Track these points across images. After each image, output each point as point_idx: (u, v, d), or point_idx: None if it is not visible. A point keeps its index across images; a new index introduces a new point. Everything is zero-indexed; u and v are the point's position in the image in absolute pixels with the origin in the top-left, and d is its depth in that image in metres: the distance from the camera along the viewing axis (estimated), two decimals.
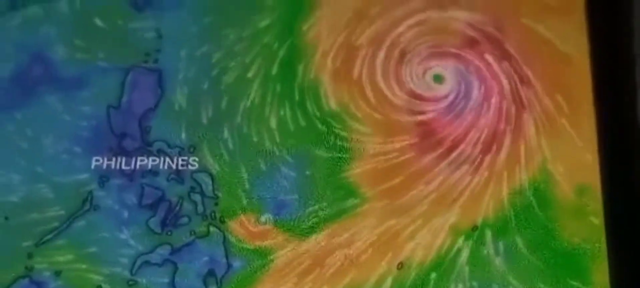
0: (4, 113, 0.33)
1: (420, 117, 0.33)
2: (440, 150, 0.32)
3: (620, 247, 0.30)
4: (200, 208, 0.31)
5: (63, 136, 0.33)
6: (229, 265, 0.31)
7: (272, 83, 0.33)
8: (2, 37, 0.35)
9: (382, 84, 0.33)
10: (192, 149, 0.32)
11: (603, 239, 0.30)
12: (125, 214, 0.31)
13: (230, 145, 0.32)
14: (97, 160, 0.32)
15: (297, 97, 0.33)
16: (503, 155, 0.32)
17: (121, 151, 0.33)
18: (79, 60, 0.34)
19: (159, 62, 0.34)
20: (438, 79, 0.33)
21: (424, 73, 0.33)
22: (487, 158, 0.32)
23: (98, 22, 0.35)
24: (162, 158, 0.32)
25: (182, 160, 0.32)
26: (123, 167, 0.32)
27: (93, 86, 0.34)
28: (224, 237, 0.31)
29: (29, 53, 0.34)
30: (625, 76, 0.33)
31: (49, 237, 0.31)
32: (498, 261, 0.30)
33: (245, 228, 0.31)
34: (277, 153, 0.32)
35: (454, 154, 0.32)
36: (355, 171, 0.32)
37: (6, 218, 0.31)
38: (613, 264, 0.30)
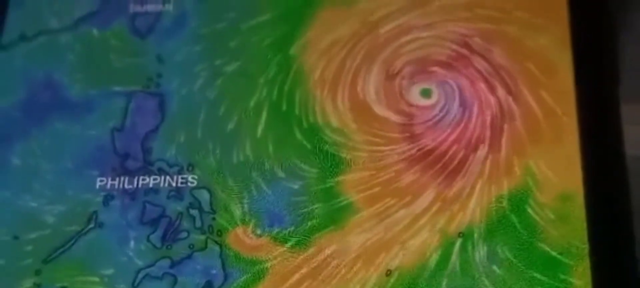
0: (18, 139, 0.35)
1: (408, 129, 0.34)
2: (427, 160, 0.33)
3: (603, 252, 0.31)
4: (198, 223, 0.33)
5: (70, 158, 0.34)
6: (226, 277, 0.32)
7: (265, 100, 0.35)
8: (14, 66, 0.37)
9: (370, 98, 0.34)
10: (190, 168, 0.34)
11: (586, 244, 0.31)
12: (128, 231, 0.33)
13: (226, 163, 0.34)
14: (101, 180, 0.34)
15: (289, 113, 0.34)
16: (488, 163, 0.33)
17: (124, 171, 0.34)
18: (85, 87, 0.36)
19: (161, 87, 0.36)
20: (425, 93, 0.34)
21: (412, 87, 0.35)
22: (473, 166, 0.33)
23: (103, 50, 0.37)
24: (162, 177, 0.34)
25: (182, 178, 0.34)
26: (126, 186, 0.34)
27: (98, 110, 0.35)
28: (221, 250, 0.32)
29: (39, 82, 0.36)
30: (608, 87, 0.34)
31: (56, 254, 0.33)
32: (484, 266, 0.31)
33: (241, 241, 0.32)
34: (271, 168, 0.33)
35: (440, 164, 0.33)
36: (346, 183, 0.33)
37: (15, 237, 0.33)
38: (596, 269, 0.31)
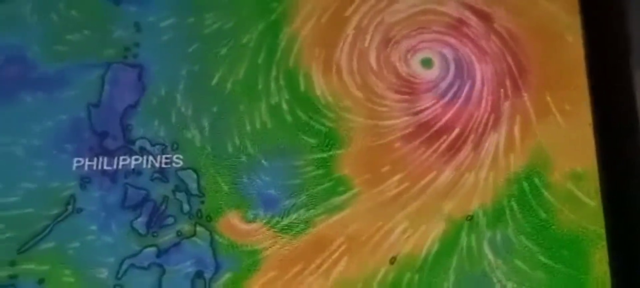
0: None
1: (409, 104, 0.32)
2: (431, 138, 0.31)
3: (619, 231, 0.29)
4: (185, 207, 0.30)
5: (42, 137, 0.32)
6: (218, 266, 0.30)
7: (255, 74, 0.32)
8: None
9: (369, 71, 0.32)
10: (175, 146, 0.31)
11: (602, 224, 0.29)
12: (109, 216, 0.31)
13: (215, 141, 0.31)
14: (78, 162, 0.31)
15: (282, 87, 0.32)
16: (496, 140, 0.31)
17: (103, 151, 0.32)
18: (56, 57, 0.33)
19: (139, 57, 0.33)
20: (426, 63, 0.32)
21: (412, 57, 0.32)
22: (480, 144, 0.31)
23: (75, 17, 0.34)
24: (145, 157, 0.31)
25: (166, 158, 0.31)
26: (105, 167, 0.31)
27: (72, 84, 0.33)
28: (211, 237, 0.30)
29: (5, 52, 0.33)
30: (620, 56, 0.32)
31: (31, 243, 0.30)
32: (494, 250, 0.29)
33: (233, 226, 0.30)
34: (263, 146, 0.31)
35: (445, 141, 0.31)
36: (345, 163, 0.31)
37: None
38: (612, 249, 0.29)
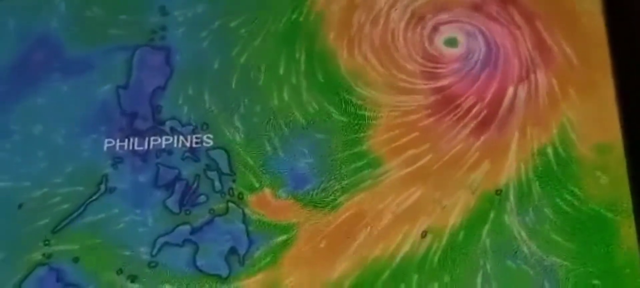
0: (10, 100, 0.33)
1: (436, 81, 0.32)
2: (458, 114, 0.31)
3: None
4: (217, 185, 0.31)
5: (72, 120, 0.32)
6: (251, 242, 0.30)
7: (284, 53, 0.33)
8: (1, 23, 0.34)
9: (395, 50, 0.33)
10: (205, 126, 0.32)
11: (628, 196, 0.30)
12: (142, 195, 0.31)
13: (244, 120, 0.32)
14: (109, 143, 0.32)
15: (310, 67, 0.32)
16: (521, 116, 0.31)
17: (133, 132, 0.32)
18: (82, 42, 0.34)
19: (166, 40, 0.33)
20: (451, 42, 0.33)
21: (437, 37, 0.33)
22: (506, 120, 0.31)
23: (102, 1, 0.34)
24: (175, 137, 0.32)
25: (196, 137, 0.32)
26: (136, 147, 0.32)
27: (99, 67, 0.33)
28: (244, 214, 0.30)
29: (31, 38, 0.34)
30: None
31: (65, 222, 0.30)
32: (523, 223, 0.30)
33: (265, 203, 0.31)
34: (292, 124, 0.32)
35: (472, 117, 0.31)
36: (374, 139, 0.31)
37: (20, 206, 0.31)
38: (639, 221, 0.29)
